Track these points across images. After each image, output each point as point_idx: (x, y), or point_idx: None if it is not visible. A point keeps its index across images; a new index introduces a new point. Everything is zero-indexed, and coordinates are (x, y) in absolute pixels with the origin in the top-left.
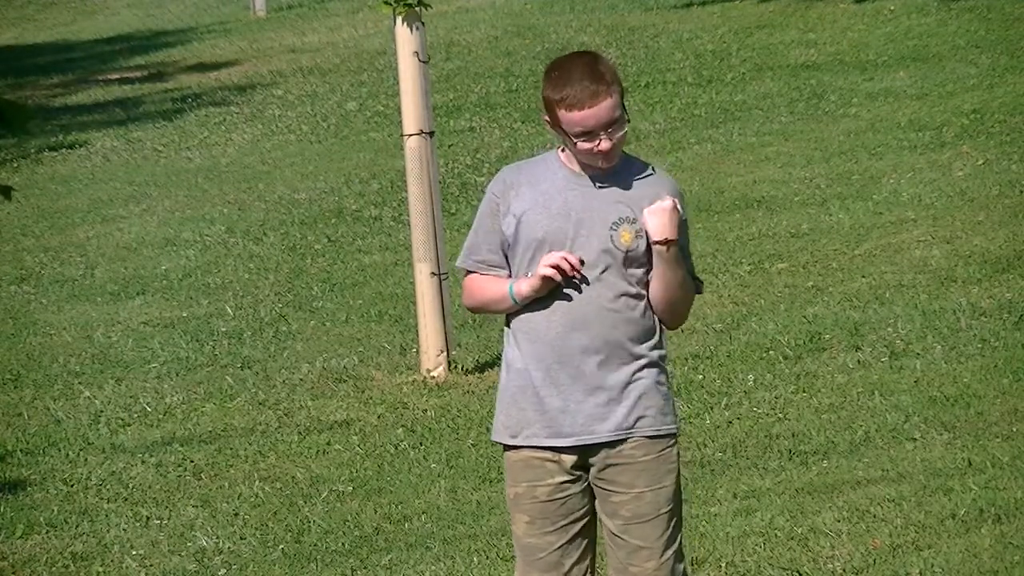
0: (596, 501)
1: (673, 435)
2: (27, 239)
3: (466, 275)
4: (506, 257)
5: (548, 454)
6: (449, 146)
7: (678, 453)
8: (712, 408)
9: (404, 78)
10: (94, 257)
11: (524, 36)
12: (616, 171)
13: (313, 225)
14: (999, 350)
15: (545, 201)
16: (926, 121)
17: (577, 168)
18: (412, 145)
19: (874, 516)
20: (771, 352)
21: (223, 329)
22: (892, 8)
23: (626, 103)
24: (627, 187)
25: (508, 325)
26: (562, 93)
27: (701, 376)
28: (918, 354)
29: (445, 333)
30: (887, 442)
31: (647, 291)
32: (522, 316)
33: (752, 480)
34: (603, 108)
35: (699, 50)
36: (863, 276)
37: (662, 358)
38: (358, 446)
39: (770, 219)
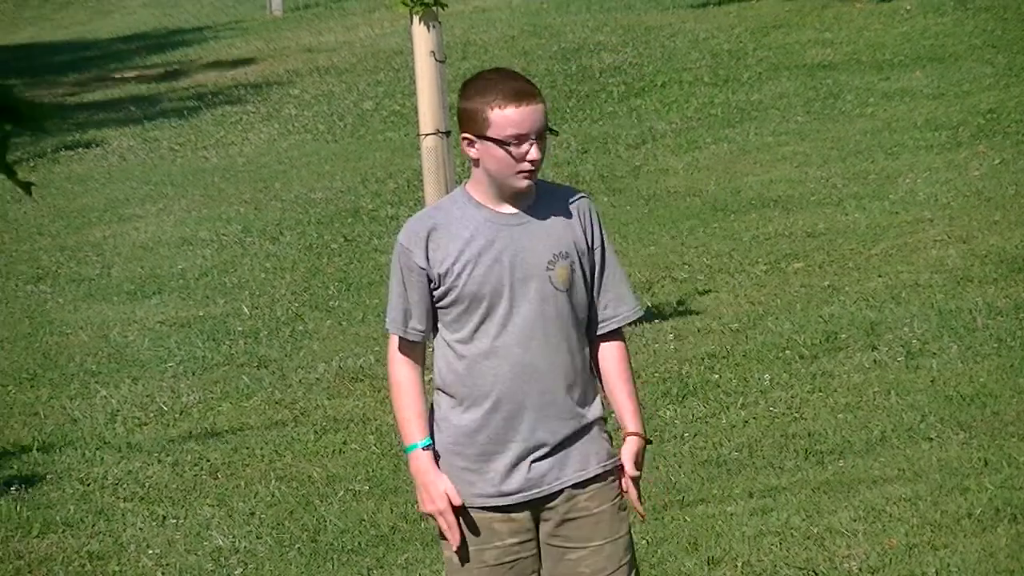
0: (545, 566)
1: (613, 473)
2: (43, 238)
3: (398, 341)
4: (432, 316)
5: (497, 515)
6: None
7: (622, 494)
8: (728, 407)
9: (421, 77)
10: (110, 256)
11: (540, 36)
12: (535, 202)
13: (329, 224)
14: (1015, 350)
15: (472, 250)
16: (942, 121)
17: (492, 204)
18: (428, 144)
19: (890, 515)
20: (787, 352)
21: (239, 328)
22: (908, 8)
23: (555, 123)
24: (549, 218)
25: (442, 381)
26: (492, 94)
27: (717, 375)
28: (934, 354)
29: None
30: (903, 441)
31: (587, 335)
32: (461, 371)
33: (768, 479)
34: (536, 110)
35: (715, 50)
36: (879, 276)
37: (603, 417)
38: (374, 445)
39: (786, 219)
